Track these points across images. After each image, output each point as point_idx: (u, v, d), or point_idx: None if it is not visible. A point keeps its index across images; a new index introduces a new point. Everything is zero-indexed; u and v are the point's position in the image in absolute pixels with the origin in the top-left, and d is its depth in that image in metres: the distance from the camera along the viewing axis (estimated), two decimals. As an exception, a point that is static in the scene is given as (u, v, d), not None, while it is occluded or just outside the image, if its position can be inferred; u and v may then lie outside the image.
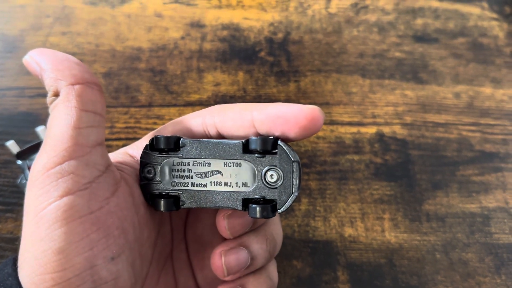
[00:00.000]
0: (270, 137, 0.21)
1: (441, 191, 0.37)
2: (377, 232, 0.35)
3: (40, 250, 0.18)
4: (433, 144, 0.40)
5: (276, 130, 0.22)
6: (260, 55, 0.46)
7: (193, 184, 0.22)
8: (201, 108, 0.26)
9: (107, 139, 0.39)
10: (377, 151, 0.39)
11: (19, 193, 0.36)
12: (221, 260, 0.23)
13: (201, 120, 0.25)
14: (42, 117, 0.40)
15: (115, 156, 0.24)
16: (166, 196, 0.22)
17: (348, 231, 0.35)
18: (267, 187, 0.21)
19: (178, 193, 0.22)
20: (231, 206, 0.21)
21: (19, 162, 0.35)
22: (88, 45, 0.46)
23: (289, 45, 0.46)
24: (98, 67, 0.44)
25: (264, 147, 0.21)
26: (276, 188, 0.21)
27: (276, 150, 0.21)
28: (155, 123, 0.40)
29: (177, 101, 0.42)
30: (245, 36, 0.47)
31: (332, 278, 0.33)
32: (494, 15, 0.49)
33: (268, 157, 0.21)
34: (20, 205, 0.35)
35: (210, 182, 0.22)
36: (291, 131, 0.22)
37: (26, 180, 0.33)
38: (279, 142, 0.21)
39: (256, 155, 0.21)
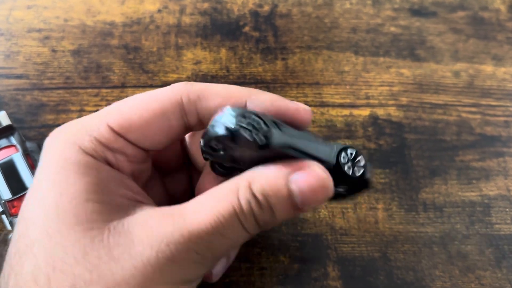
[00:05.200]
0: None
1: (439, 178, 0.34)
2: (370, 224, 0.32)
3: None
4: (431, 127, 0.37)
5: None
6: (245, 30, 0.42)
7: None
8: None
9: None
10: (371, 135, 0.36)
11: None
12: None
13: (178, 107, 0.22)
14: (4, 100, 0.37)
15: (99, 135, 0.21)
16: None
17: (339, 223, 0.32)
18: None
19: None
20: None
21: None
22: (55, 19, 0.42)
23: (276, 19, 0.43)
24: (67, 44, 0.40)
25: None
26: None
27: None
28: (129, 106, 0.37)
29: (153, 82, 0.38)
30: (228, 8, 0.43)
31: (322, 274, 0.30)
32: (496, -13, 0.46)
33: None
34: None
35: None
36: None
37: None
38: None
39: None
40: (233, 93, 0.23)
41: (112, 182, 0.21)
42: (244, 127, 0.19)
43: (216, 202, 0.20)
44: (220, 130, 0.19)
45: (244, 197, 0.20)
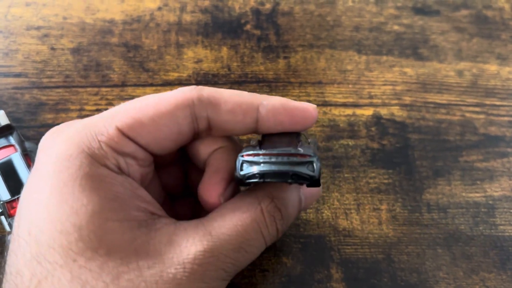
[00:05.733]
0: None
1: (442, 178, 0.34)
2: (374, 225, 0.32)
3: None
4: (434, 127, 0.36)
5: (290, 123, 0.23)
6: (246, 28, 0.41)
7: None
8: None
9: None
10: (374, 135, 0.36)
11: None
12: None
13: (189, 111, 0.22)
14: (3, 99, 0.36)
15: (108, 139, 0.20)
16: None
17: (343, 224, 0.32)
18: None
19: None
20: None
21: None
22: (54, 17, 0.41)
23: (278, 17, 0.42)
24: (66, 42, 0.40)
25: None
26: None
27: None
28: (129, 105, 0.36)
29: (153, 80, 0.38)
30: (229, 6, 0.42)
31: (325, 276, 0.30)
32: (500, -15, 0.45)
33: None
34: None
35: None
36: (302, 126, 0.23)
37: None
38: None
39: None
40: (244, 99, 0.22)
41: (127, 195, 0.20)
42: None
43: (239, 216, 0.21)
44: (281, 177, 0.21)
45: (267, 210, 0.21)
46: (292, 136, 0.23)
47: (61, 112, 0.36)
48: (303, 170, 0.21)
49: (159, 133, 0.21)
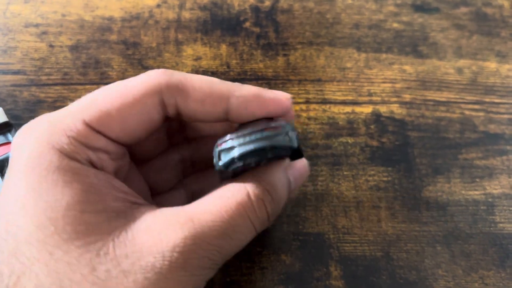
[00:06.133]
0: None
1: (442, 176, 0.34)
2: (373, 223, 0.32)
3: None
4: (434, 125, 0.36)
5: (262, 114, 0.22)
6: (245, 25, 0.41)
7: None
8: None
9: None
10: (373, 133, 0.36)
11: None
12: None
13: (157, 98, 0.21)
14: (1, 96, 0.36)
15: (77, 134, 0.20)
16: None
17: (342, 221, 0.32)
18: None
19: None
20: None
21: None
22: (53, 14, 0.41)
23: (278, 15, 0.42)
24: (65, 39, 0.40)
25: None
26: None
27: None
28: (128, 102, 0.36)
29: (152, 78, 0.38)
30: (228, 3, 0.42)
31: (324, 274, 0.30)
32: (500, -18, 0.45)
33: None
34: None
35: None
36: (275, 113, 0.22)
37: None
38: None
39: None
40: (214, 89, 0.22)
41: (102, 186, 0.20)
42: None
43: (224, 202, 0.20)
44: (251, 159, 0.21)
45: (254, 194, 0.20)
46: (267, 120, 0.23)
47: (59, 109, 0.35)
48: (280, 140, 0.20)
49: (128, 123, 0.21)
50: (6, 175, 0.20)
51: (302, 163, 0.25)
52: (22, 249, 0.18)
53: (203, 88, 0.21)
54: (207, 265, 0.19)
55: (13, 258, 0.18)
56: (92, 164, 0.20)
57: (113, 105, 0.20)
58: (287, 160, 0.24)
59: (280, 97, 0.22)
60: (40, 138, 0.20)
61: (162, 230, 0.19)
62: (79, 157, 0.20)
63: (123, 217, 0.19)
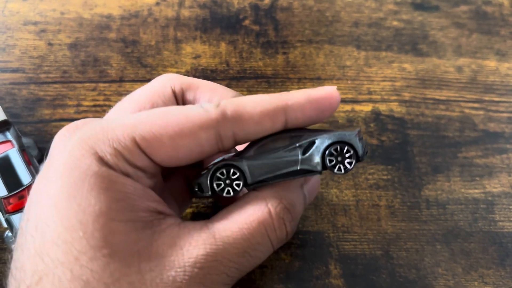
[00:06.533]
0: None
1: (442, 175, 0.34)
2: (373, 221, 0.32)
3: None
4: (434, 123, 0.36)
5: (318, 116, 0.23)
6: (245, 23, 0.41)
7: None
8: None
9: (72, 119, 0.35)
10: (373, 131, 0.36)
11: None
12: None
13: (213, 133, 0.21)
14: (0, 95, 0.36)
15: (123, 149, 0.20)
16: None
17: (341, 220, 0.32)
18: None
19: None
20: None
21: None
22: (52, 12, 0.41)
23: (277, 13, 0.42)
24: (63, 37, 0.39)
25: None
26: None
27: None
28: (127, 101, 0.36)
29: (151, 76, 0.37)
30: (227, 1, 0.42)
31: (323, 272, 0.30)
32: (500, -19, 0.45)
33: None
34: None
35: None
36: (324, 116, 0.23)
37: None
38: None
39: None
40: (269, 106, 0.21)
41: (135, 196, 0.20)
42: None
43: (245, 219, 0.20)
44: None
45: (276, 212, 0.21)
46: (284, 135, 0.23)
47: (58, 107, 0.35)
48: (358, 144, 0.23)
49: (177, 153, 0.21)
50: (41, 171, 0.20)
51: (315, 178, 0.25)
52: (47, 249, 0.18)
53: (258, 109, 0.21)
54: (224, 281, 0.20)
55: (38, 257, 0.18)
56: (129, 177, 0.20)
57: (167, 131, 0.20)
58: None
59: (330, 93, 0.22)
60: (84, 140, 0.20)
61: (185, 246, 0.19)
62: (116, 168, 0.20)
63: (149, 227, 0.19)
